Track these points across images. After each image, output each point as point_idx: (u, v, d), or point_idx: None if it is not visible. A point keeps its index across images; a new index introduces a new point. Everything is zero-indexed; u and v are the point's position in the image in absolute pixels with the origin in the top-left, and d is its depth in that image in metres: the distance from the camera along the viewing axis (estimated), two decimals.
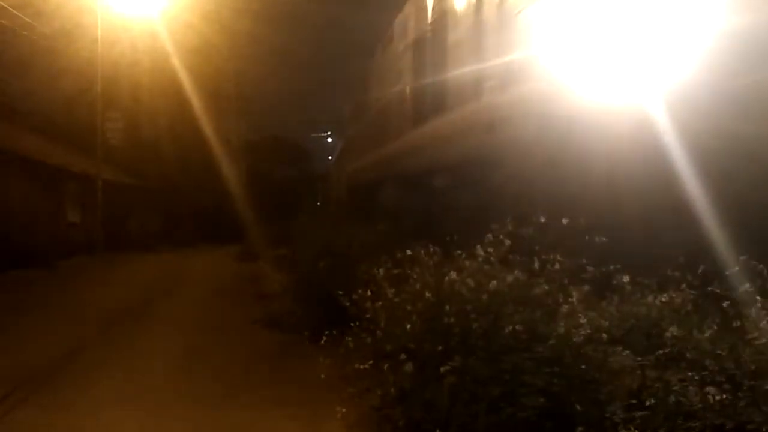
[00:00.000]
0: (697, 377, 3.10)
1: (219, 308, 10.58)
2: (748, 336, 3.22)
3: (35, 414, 4.96)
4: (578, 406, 3.11)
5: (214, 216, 27.21)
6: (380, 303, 4.68)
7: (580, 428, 2.95)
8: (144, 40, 23.95)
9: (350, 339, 4.94)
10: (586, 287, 4.11)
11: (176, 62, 23.55)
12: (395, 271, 5.11)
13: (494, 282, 3.90)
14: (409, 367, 3.63)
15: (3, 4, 16.76)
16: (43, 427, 4.70)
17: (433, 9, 15.13)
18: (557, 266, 4.10)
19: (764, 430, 2.71)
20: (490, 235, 4.45)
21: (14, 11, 17.44)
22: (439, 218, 10.83)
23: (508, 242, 4.40)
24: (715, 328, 3.52)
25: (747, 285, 3.49)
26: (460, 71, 12.38)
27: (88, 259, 19.59)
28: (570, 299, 3.94)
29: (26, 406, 5.14)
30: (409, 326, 3.90)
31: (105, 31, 22.24)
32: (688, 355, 3.34)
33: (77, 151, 22.83)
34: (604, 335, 3.54)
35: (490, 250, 4.41)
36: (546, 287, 3.96)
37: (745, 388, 2.91)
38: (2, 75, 19.80)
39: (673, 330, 3.55)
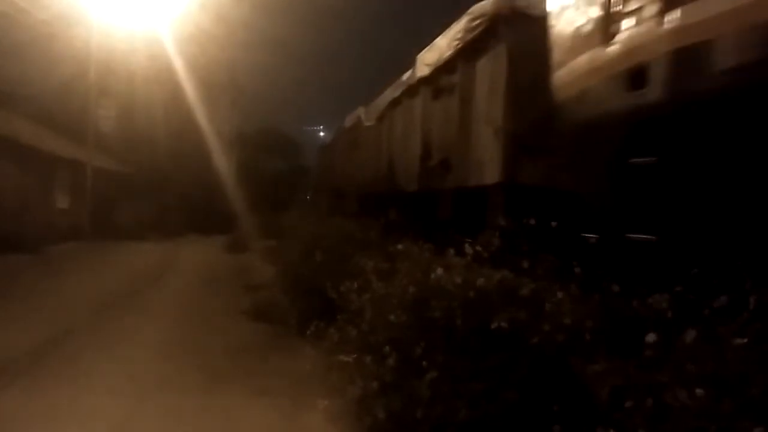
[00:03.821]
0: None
1: (206, 298, 10.54)
2: None
3: (16, 400, 4.92)
4: (556, 406, 3.11)
5: (205, 206, 27.13)
6: (367, 296, 4.68)
7: (556, 427, 2.96)
8: (139, 28, 23.81)
9: (335, 331, 4.94)
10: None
11: (171, 50, 23.43)
12: (384, 265, 5.12)
13: (481, 279, 3.91)
14: (391, 360, 3.64)
15: None
16: (24, 413, 4.66)
17: None
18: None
19: None
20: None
21: None
22: None
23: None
24: None
25: None
26: None
27: (77, 246, 19.45)
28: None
29: (7, 392, 5.10)
30: (393, 319, 3.90)
31: (100, 20, 22.10)
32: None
33: (69, 138, 22.69)
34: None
35: (479, 248, 4.42)
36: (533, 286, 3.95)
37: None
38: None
39: None
